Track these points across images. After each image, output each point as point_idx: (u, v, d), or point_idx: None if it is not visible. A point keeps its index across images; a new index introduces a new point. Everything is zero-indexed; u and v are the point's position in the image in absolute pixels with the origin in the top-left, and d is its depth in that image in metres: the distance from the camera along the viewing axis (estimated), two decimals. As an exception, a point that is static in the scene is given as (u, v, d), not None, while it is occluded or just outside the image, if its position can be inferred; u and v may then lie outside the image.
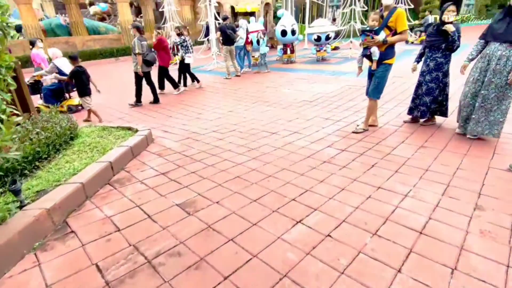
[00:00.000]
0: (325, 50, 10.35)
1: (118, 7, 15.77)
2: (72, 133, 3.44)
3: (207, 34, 10.69)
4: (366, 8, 11.33)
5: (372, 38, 3.43)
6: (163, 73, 6.99)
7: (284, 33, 9.73)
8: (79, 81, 5.04)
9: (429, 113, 3.85)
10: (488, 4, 18.08)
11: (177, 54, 7.53)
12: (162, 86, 7.21)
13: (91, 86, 5.22)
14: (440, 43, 3.53)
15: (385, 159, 3.13)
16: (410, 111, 4.05)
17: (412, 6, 11.97)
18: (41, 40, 7.85)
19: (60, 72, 5.64)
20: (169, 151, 3.67)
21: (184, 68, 7.37)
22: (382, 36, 3.42)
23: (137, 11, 22.60)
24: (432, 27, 3.66)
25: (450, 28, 3.37)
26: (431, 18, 12.27)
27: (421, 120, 4.06)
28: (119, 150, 3.14)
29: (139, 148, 3.54)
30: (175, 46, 7.43)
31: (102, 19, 21.86)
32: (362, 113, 4.56)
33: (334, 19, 18.16)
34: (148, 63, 6.01)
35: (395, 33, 3.44)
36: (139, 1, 18.89)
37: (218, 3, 22.83)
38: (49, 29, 16.06)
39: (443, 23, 3.44)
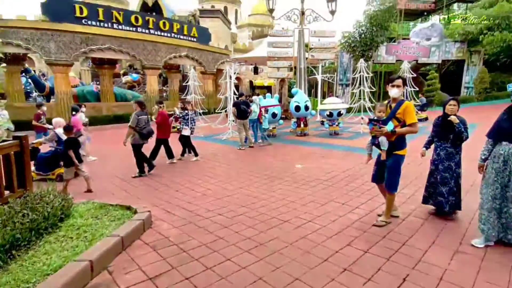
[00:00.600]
0: (337, 125, 10.50)
1: (147, 78, 17.36)
2: (64, 213, 3.17)
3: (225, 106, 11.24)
4: (374, 89, 11.85)
5: (380, 128, 3.29)
6: (164, 144, 7.01)
7: (297, 108, 10.06)
8: (73, 150, 4.99)
9: (448, 206, 3.56)
10: (487, 87, 18.75)
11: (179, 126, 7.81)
12: (171, 155, 7.19)
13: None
14: (447, 134, 3.58)
15: (417, 269, 2.60)
16: (425, 200, 3.86)
17: (417, 89, 12.45)
18: (84, 105, 8.34)
19: (60, 141, 5.65)
20: (166, 241, 3.23)
21: (184, 139, 7.47)
22: (390, 126, 3.29)
23: (165, 81, 24.86)
24: (437, 118, 3.75)
25: (454, 119, 3.42)
26: (424, 100, 14.35)
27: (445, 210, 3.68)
28: (107, 243, 2.74)
29: (132, 237, 3.14)
30: (177, 118, 7.73)
31: (132, 87, 23.98)
32: (380, 198, 4.14)
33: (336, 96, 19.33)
34: (143, 136, 6.07)
35: (404, 125, 3.31)
36: (166, 73, 20.88)
37: (238, 78, 25.02)
38: (81, 95, 17.50)
39: (447, 115, 3.54)
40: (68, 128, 5.13)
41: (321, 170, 6.07)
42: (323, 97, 16.87)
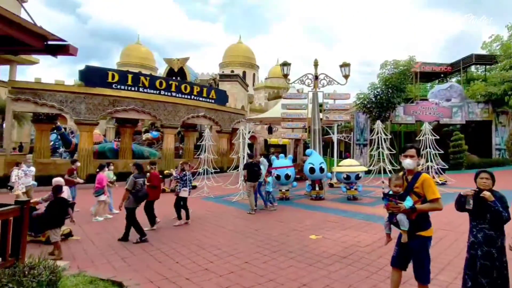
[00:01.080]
0: (356, 189, 9.89)
1: (164, 136, 18.03)
2: (51, 289, 2.79)
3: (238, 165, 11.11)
4: (394, 150, 11.42)
5: (397, 204, 2.85)
6: (150, 207, 6.65)
7: (312, 170, 9.72)
8: (55, 212, 4.88)
9: None
10: None
11: (175, 187, 7.54)
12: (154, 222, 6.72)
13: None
14: (483, 213, 2.96)
15: None
16: None
17: (438, 137, 11.81)
18: (112, 164, 8.58)
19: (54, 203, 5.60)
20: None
21: (180, 201, 7.10)
22: (408, 202, 2.85)
23: (182, 139, 25.76)
24: (470, 197, 3.13)
25: (489, 196, 2.86)
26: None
27: None
28: None
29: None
30: (174, 180, 7.52)
31: (151, 144, 24.93)
32: (410, 286, 3.44)
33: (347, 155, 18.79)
34: (138, 199, 5.91)
35: (424, 201, 2.86)
36: (184, 131, 21.70)
37: (253, 136, 25.57)
38: (102, 151, 18.26)
39: (480, 190, 2.98)
40: (56, 189, 5.10)
41: (339, 244, 5.41)
42: (340, 157, 16.52)
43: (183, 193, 7.02)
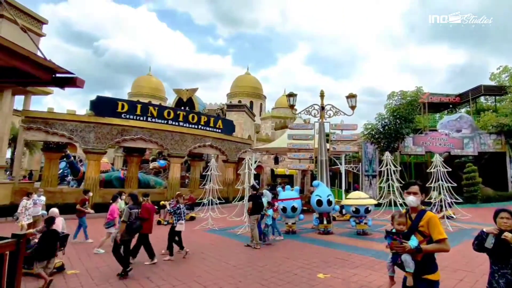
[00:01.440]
0: (365, 223, 9.42)
1: (170, 165, 18.01)
2: None
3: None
4: (404, 182, 11.02)
5: (401, 243, 2.61)
6: (144, 240, 6.46)
7: (319, 202, 9.38)
8: (46, 244, 4.87)
9: None
10: None
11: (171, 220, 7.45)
12: (135, 255, 6.45)
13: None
14: (505, 256, 2.76)
15: None
16: None
17: (450, 169, 11.35)
18: (124, 193, 8.47)
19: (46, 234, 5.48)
20: None
21: (175, 235, 6.94)
22: (413, 241, 2.61)
23: (188, 168, 25.73)
24: (483, 231, 2.94)
25: (511, 239, 2.69)
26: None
27: None
28: None
29: None
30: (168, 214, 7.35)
31: (158, 173, 24.94)
32: None
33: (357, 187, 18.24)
34: (131, 231, 5.72)
35: (430, 241, 2.62)
36: (190, 161, 21.70)
37: (260, 166, 25.36)
38: (109, 180, 18.29)
39: (501, 230, 2.79)
40: (48, 221, 5.13)
41: (348, 284, 4.99)
42: (348, 188, 16.06)
43: (179, 227, 6.82)
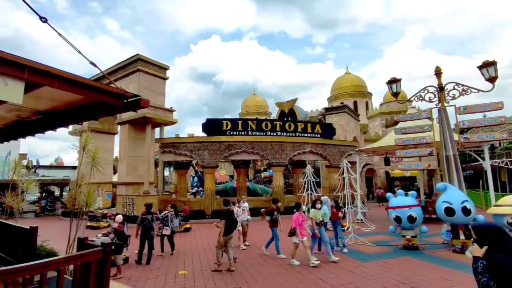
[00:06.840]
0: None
1: (274, 174, 18.45)
2: None
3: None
4: None
5: None
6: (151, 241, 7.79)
7: (450, 211, 7.25)
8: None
9: None
10: None
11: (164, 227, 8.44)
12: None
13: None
14: None
15: None
16: None
17: None
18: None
19: (117, 234, 6.82)
20: None
21: (163, 238, 8.32)
22: None
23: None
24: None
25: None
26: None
27: None
28: None
29: None
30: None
31: (270, 181, 26.20)
32: None
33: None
34: (144, 231, 7.55)
35: None
36: (292, 168, 21.68)
37: (371, 169, 22.53)
38: (225, 190, 21.03)
39: None
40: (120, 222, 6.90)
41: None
42: (500, 189, 11.90)
43: (165, 231, 8.21)
